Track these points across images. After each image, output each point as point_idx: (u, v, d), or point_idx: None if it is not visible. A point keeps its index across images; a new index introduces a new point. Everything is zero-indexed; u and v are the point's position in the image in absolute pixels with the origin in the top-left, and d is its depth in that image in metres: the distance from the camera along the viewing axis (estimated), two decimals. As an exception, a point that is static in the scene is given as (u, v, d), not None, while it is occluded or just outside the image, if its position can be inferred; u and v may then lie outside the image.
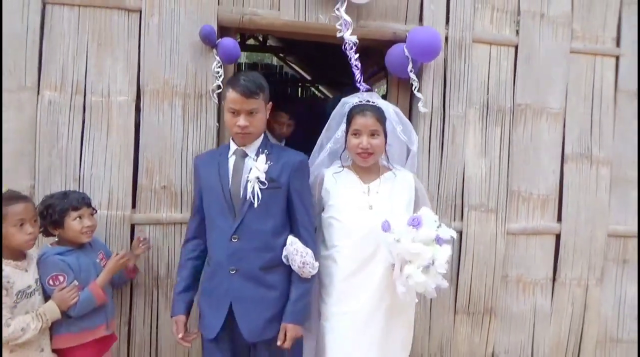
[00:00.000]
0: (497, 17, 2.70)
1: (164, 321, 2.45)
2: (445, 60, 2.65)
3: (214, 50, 2.41)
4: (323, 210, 2.20)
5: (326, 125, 2.35)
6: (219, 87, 2.43)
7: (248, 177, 1.94)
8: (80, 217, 2.07)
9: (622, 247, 2.90)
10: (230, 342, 2.01)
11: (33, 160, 2.31)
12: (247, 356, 2.07)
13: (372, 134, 2.09)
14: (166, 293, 2.45)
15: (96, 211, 2.20)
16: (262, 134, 2.05)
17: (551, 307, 2.83)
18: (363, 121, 2.09)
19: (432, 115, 2.64)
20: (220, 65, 2.42)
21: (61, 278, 2.00)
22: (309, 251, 1.96)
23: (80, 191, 2.30)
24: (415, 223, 1.90)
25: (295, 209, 2.01)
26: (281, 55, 7.41)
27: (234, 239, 1.93)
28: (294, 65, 8.08)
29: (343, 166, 2.23)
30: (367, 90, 2.54)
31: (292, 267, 1.97)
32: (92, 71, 2.35)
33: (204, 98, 2.44)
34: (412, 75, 2.54)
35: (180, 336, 2.01)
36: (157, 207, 2.43)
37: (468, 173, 2.70)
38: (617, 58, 2.86)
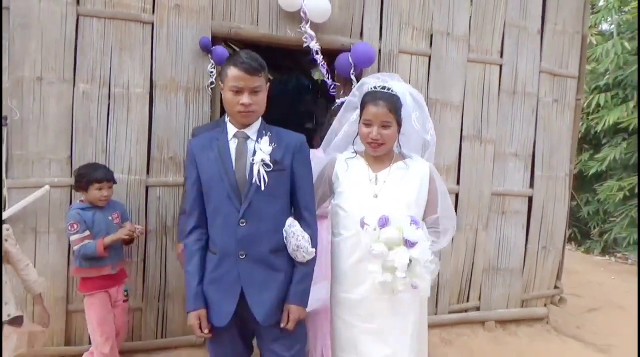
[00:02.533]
0: (416, 35, 3.67)
1: (171, 258, 3.26)
2: (379, 65, 3.57)
3: (209, 55, 3.20)
4: (333, 196, 2.19)
5: (343, 106, 2.32)
6: (211, 83, 3.23)
7: (253, 159, 1.90)
8: (100, 188, 2.74)
9: (501, 203, 4.01)
10: (238, 328, 2.00)
11: (70, 137, 3.02)
12: (250, 341, 2.10)
13: (384, 125, 2.01)
14: (172, 238, 3.25)
15: (115, 183, 2.86)
16: (260, 116, 2.02)
17: (452, 246, 3.89)
18: (374, 111, 2.01)
19: (369, 106, 3.59)
20: (213, 66, 3.22)
21: (75, 226, 2.68)
22: (306, 236, 1.93)
23: (106, 161, 3.04)
24: (381, 223, 1.83)
25: (297, 190, 1.98)
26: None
27: (242, 223, 1.89)
28: (235, 48, 8.67)
29: (356, 152, 2.18)
30: (333, 87, 3.40)
31: (287, 249, 1.96)
32: (115, 69, 3.07)
33: (201, 91, 3.23)
34: (353, 77, 3.44)
35: (206, 331, 1.93)
36: (165, 173, 3.21)
37: (394, 149, 3.67)
38: (500, 66, 3.92)
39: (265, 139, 1.93)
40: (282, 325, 1.94)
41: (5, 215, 2.90)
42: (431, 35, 3.71)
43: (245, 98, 1.87)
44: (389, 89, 2.08)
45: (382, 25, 3.57)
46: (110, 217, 2.82)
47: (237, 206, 1.90)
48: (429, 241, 1.91)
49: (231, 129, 1.98)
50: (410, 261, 1.81)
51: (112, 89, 3.07)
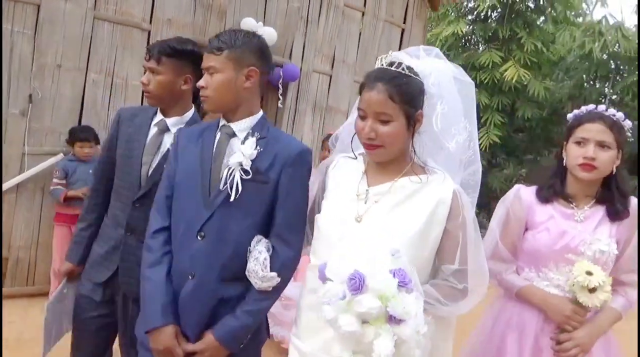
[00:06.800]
0: (323, 60, 5.16)
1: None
2: (300, 80, 4.97)
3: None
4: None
5: None
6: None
7: (229, 161, 1.52)
8: (82, 146, 3.53)
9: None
10: None
11: (78, 116, 3.74)
12: None
13: (381, 119, 1.34)
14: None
15: (98, 143, 3.55)
16: (260, 113, 1.63)
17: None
18: (367, 97, 1.35)
19: (290, 108, 4.97)
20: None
21: (56, 172, 3.48)
22: (262, 257, 1.47)
23: (105, 136, 3.82)
24: (353, 287, 1.13)
25: (276, 211, 1.54)
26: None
27: (200, 236, 1.52)
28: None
29: (362, 154, 1.50)
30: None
31: None
32: (118, 64, 3.85)
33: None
34: (280, 86, 4.79)
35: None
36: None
37: (304, 140, 5.13)
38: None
39: (251, 141, 1.53)
40: (184, 345, 1.49)
41: (22, 177, 3.54)
42: (333, 61, 5.25)
43: (202, 80, 1.55)
44: (400, 65, 1.37)
45: (304, 51, 4.96)
46: (91, 171, 3.37)
47: (201, 214, 1.52)
48: (422, 306, 1.18)
49: (222, 120, 1.62)
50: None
51: (114, 79, 3.85)
